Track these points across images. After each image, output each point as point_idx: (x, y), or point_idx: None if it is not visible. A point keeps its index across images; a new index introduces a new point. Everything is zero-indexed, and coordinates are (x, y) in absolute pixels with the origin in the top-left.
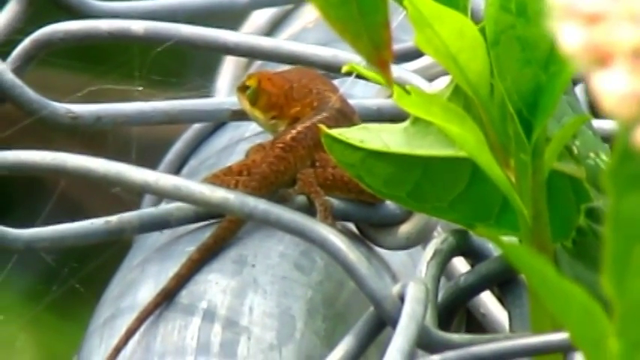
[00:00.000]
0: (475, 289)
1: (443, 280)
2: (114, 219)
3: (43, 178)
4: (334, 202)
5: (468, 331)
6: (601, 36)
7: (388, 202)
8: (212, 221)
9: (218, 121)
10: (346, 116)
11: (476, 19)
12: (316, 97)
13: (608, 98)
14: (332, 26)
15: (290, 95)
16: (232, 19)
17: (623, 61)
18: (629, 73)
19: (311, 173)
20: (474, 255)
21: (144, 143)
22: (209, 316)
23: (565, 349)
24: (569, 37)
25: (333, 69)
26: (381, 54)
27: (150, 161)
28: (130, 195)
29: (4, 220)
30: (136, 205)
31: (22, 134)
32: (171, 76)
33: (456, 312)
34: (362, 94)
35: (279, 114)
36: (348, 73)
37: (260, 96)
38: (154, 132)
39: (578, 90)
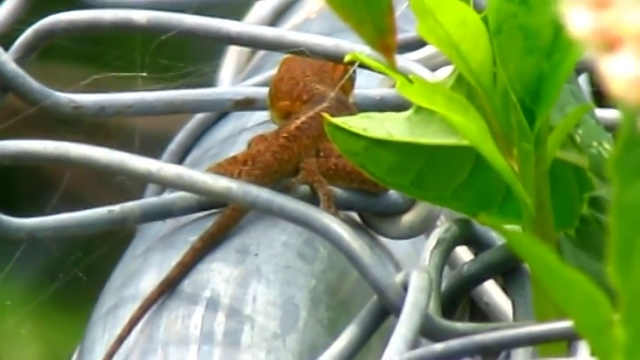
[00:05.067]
0: (478, 277)
1: (446, 269)
2: (117, 208)
3: (46, 172)
4: (337, 191)
5: (472, 320)
6: (609, 20)
7: (391, 192)
8: (215, 210)
9: (221, 112)
10: (346, 106)
11: (478, 8)
12: (304, 90)
13: (616, 83)
14: (336, 12)
15: (279, 87)
16: (235, 9)
17: (632, 46)
18: (638, 57)
19: (314, 163)
20: (477, 244)
21: (147, 134)
22: (212, 305)
23: (569, 337)
24: (578, 22)
25: (336, 59)
26: (384, 40)
27: (153, 152)
28: (134, 186)
29: (8, 212)
30: (138, 198)
31: (26, 126)
32: (174, 66)
33: (459, 301)
34: (365, 83)
35: (271, 103)
36: (351, 63)
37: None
38: (157, 123)
39: (581, 79)
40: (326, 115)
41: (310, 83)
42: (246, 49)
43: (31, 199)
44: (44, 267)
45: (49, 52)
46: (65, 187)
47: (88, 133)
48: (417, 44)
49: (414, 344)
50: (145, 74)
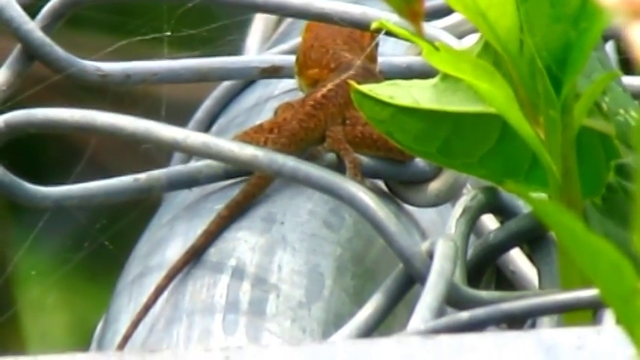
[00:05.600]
0: (504, 246)
1: (472, 237)
2: (142, 176)
3: (72, 141)
4: (363, 159)
5: (498, 288)
6: None
7: (417, 160)
8: (241, 179)
9: (247, 79)
10: (373, 74)
11: None
12: (332, 58)
13: None
14: None
15: (309, 55)
16: None
17: None
18: None
19: (340, 130)
20: (503, 212)
21: (173, 103)
22: (238, 273)
23: (594, 305)
24: None
25: (362, 26)
26: (412, 7)
27: (179, 121)
28: (160, 156)
29: (34, 181)
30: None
31: (52, 94)
32: (201, 34)
33: (485, 269)
34: (391, 51)
35: (299, 71)
36: (378, 30)
37: (299, 49)
38: (183, 91)
39: (608, 47)
40: (353, 83)
41: (339, 51)
42: (272, 17)
43: (56, 169)
44: (69, 236)
45: (75, 22)
46: (90, 157)
47: (114, 101)
48: (444, 12)
49: (440, 313)
50: (170, 41)
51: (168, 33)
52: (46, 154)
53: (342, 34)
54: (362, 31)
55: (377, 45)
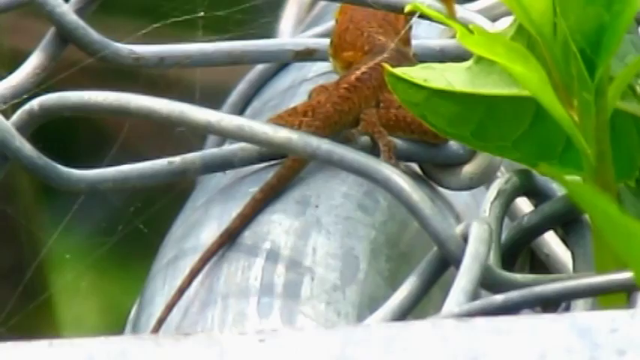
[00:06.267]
0: (539, 229)
1: (506, 220)
2: (177, 159)
3: (105, 125)
4: (397, 142)
5: (532, 271)
6: None
7: (451, 143)
8: (275, 162)
9: (281, 62)
10: (406, 57)
11: None
12: (366, 41)
13: None
14: None
15: (344, 37)
16: None
17: None
18: None
19: (374, 113)
20: (537, 195)
21: (207, 86)
22: (272, 256)
23: (629, 288)
24: None
25: (396, 9)
26: None
27: (213, 105)
28: (192, 141)
29: (68, 164)
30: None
31: (85, 78)
32: (234, 16)
33: (519, 252)
34: (425, 34)
35: (334, 53)
36: (412, 13)
37: (333, 31)
38: (217, 75)
39: None
40: (386, 66)
41: (374, 34)
42: (305, 1)
43: (88, 154)
44: (103, 220)
45: (108, 5)
46: (124, 141)
47: (148, 86)
48: None
49: (474, 296)
50: (203, 24)
51: (202, 14)
52: (78, 139)
53: (377, 16)
54: (396, 14)
55: (411, 28)
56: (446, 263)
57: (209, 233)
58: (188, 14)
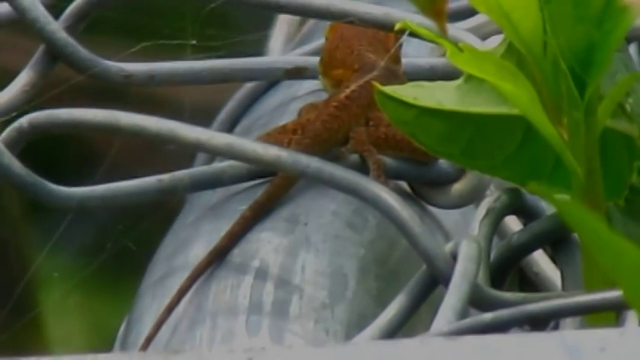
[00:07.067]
0: (528, 247)
1: (495, 239)
2: (166, 177)
3: (94, 143)
4: (387, 160)
5: (521, 290)
6: None
7: (441, 161)
8: (265, 179)
9: (271, 80)
10: (396, 75)
11: None
12: (356, 59)
13: None
14: None
15: (334, 55)
16: None
17: None
18: None
19: (364, 132)
20: (526, 213)
21: (196, 105)
22: (261, 274)
23: (618, 307)
24: None
25: (385, 27)
26: (435, 5)
27: (202, 123)
28: (181, 160)
29: (57, 182)
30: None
31: (76, 96)
32: (222, 35)
33: (508, 271)
34: (415, 53)
35: (324, 71)
36: (401, 31)
37: (323, 49)
38: (206, 94)
39: (632, 48)
40: (376, 84)
41: (364, 52)
42: (295, 19)
43: (79, 170)
44: (91, 238)
45: (97, 23)
46: (113, 159)
47: (137, 105)
48: (467, 13)
49: (463, 314)
50: (193, 42)
51: (193, 42)
52: (68, 157)
53: (367, 34)
54: (386, 32)
55: (401, 46)
56: (435, 281)
57: (198, 251)
58: (178, 32)
